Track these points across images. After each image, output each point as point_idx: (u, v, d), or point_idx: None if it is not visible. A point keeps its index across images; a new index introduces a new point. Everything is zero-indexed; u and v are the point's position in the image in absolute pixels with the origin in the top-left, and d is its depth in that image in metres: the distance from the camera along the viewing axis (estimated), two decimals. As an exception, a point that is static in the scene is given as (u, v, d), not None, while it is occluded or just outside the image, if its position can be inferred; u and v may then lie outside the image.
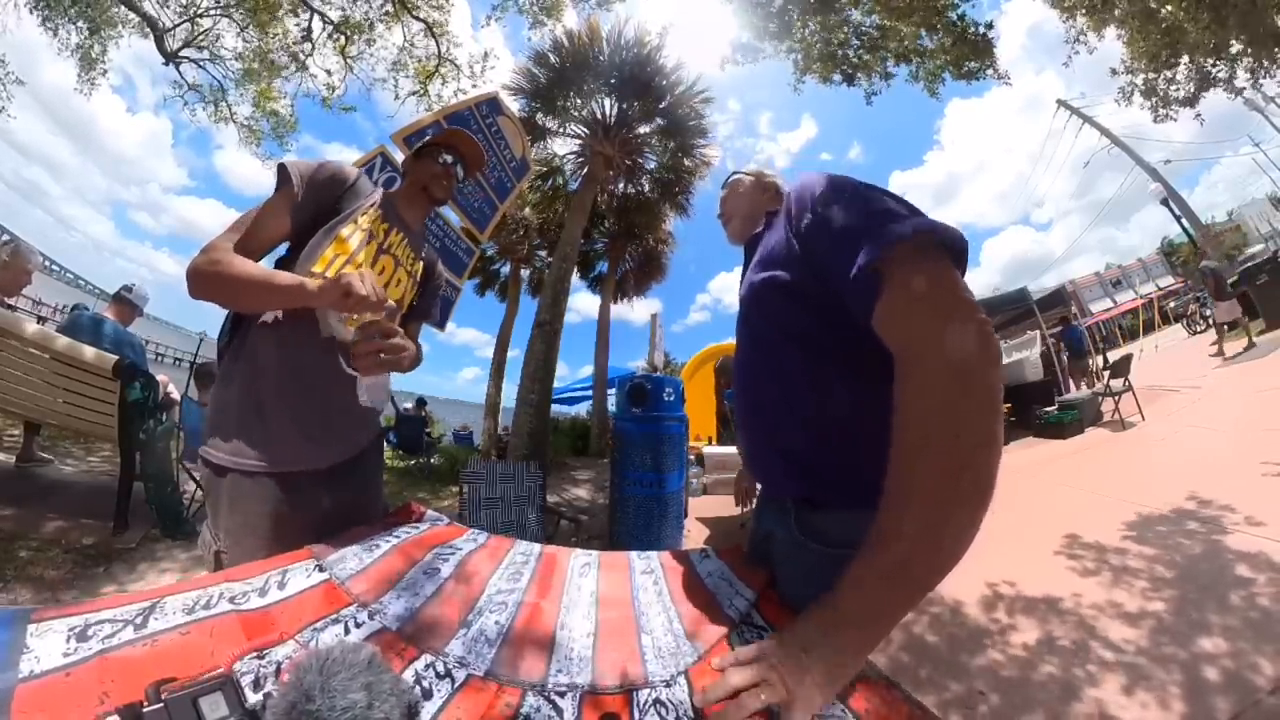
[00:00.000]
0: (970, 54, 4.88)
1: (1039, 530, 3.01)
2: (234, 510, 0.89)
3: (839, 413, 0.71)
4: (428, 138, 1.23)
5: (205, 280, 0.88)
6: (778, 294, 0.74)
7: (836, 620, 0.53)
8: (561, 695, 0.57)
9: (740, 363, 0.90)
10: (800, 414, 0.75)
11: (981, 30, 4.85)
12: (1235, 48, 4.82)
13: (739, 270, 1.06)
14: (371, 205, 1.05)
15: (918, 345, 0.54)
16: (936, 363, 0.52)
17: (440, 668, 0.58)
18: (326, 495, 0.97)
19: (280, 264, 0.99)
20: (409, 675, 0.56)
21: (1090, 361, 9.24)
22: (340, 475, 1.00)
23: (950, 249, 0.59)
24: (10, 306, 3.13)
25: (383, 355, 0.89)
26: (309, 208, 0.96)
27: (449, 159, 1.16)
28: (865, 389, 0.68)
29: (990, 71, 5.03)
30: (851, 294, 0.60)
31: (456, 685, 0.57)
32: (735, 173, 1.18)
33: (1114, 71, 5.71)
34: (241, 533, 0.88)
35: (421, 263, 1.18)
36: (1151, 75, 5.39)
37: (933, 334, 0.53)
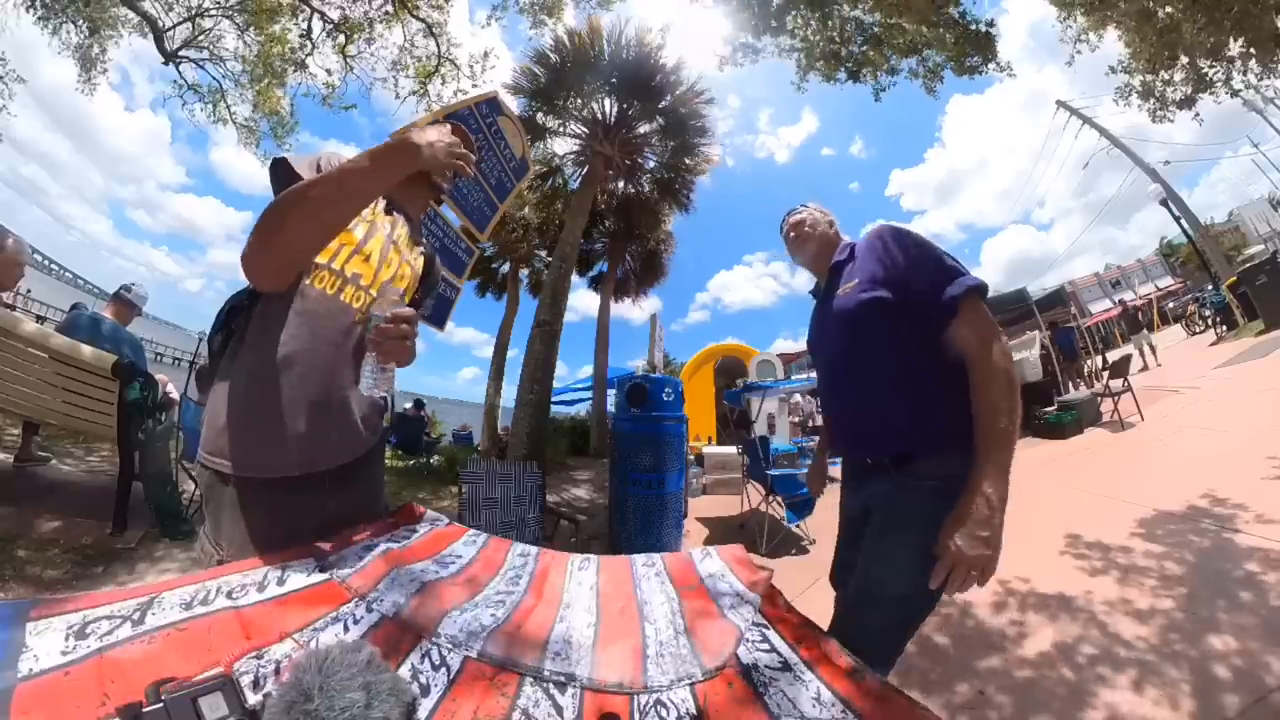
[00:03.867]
0: (972, 49, 4.88)
1: (1041, 529, 3.01)
2: (240, 519, 0.84)
3: (926, 388, 1.08)
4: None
5: (281, 220, 0.77)
6: (885, 307, 1.09)
7: (993, 488, 0.92)
8: (561, 688, 0.57)
9: (842, 359, 1.22)
10: (903, 392, 1.09)
11: (983, 27, 4.84)
12: (1233, 50, 4.81)
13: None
14: None
15: (981, 352, 1.01)
16: (995, 361, 1.00)
17: (435, 656, 0.58)
18: (331, 498, 0.93)
19: None
20: (405, 670, 0.56)
21: (1088, 362, 9.25)
22: (345, 477, 0.97)
23: (984, 294, 1.05)
24: (9, 306, 3.13)
25: (407, 342, 0.86)
26: None
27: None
28: (938, 371, 1.06)
29: (992, 65, 5.01)
30: (937, 312, 1.04)
31: (452, 675, 0.56)
32: (803, 206, 1.46)
33: (1112, 70, 5.71)
34: (247, 541, 0.84)
35: (422, 256, 1.16)
36: (1149, 77, 5.39)
37: (987, 347, 1.01)
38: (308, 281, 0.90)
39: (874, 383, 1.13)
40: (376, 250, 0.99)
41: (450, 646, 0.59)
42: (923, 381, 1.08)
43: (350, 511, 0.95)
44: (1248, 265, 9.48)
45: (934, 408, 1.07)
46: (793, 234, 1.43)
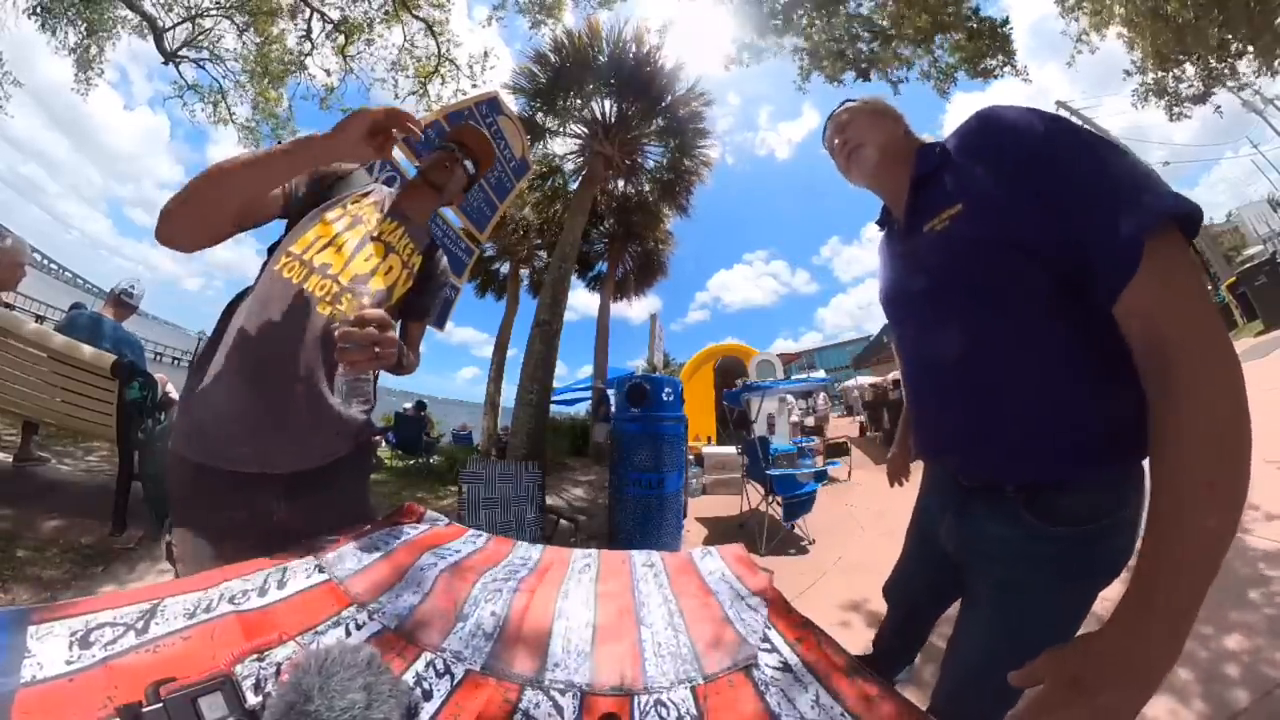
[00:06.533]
0: (987, 49, 4.84)
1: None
2: (182, 503, 0.85)
3: (1077, 380, 0.67)
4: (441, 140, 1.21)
5: (189, 192, 0.78)
6: (1013, 253, 0.65)
7: (1167, 619, 0.50)
8: (561, 693, 0.57)
9: (937, 327, 0.80)
10: (1039, 386, 0.69)
11: (997, 25, 4.82)
12: (1236, 46, 4.82)
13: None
14: (364, 193, 1.03)
15: (1187, 343, 0.52)
16: (1216, 366, 0.52)
17: (440, 665, 0.58)
18: (283, 505, 0.88)
19: (272, 249, 0.95)
20: (409, 677, 0.56)
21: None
22: (304, 485, 0.90)
23: (1193, 225, 0.55)
24: (9, 305, 3.12)
25: (377, 348, 0.75)
26: (302, 193, 0.94)
27: (455, 150, 1.15)
28: (1096, 353, 0.64)
29: (1009, 68, 4.98)
30: (1103, 263, 0.56)
31: (455, 682, 0.57)
32: (845, 102, 1.01)
33: (1127, 74, 5.72)
34: (187, 528, 0.84)
35: (420, 256, 1.13)
36: (1161, 74, 5.40)
37: (1199, 332, 0.52)
38: (276, 269, 0.88)
39: (992, 368, 0.72)
40: (353, 241, 0.96)
41: (454, 660, 0.59)
42: (1072, 369, 0.67)
43: (308, 524, 0.85)
44: (1247, 266, 9.47)
45: (1087, 410, 0.67)
46: (838, 141, 0.96)
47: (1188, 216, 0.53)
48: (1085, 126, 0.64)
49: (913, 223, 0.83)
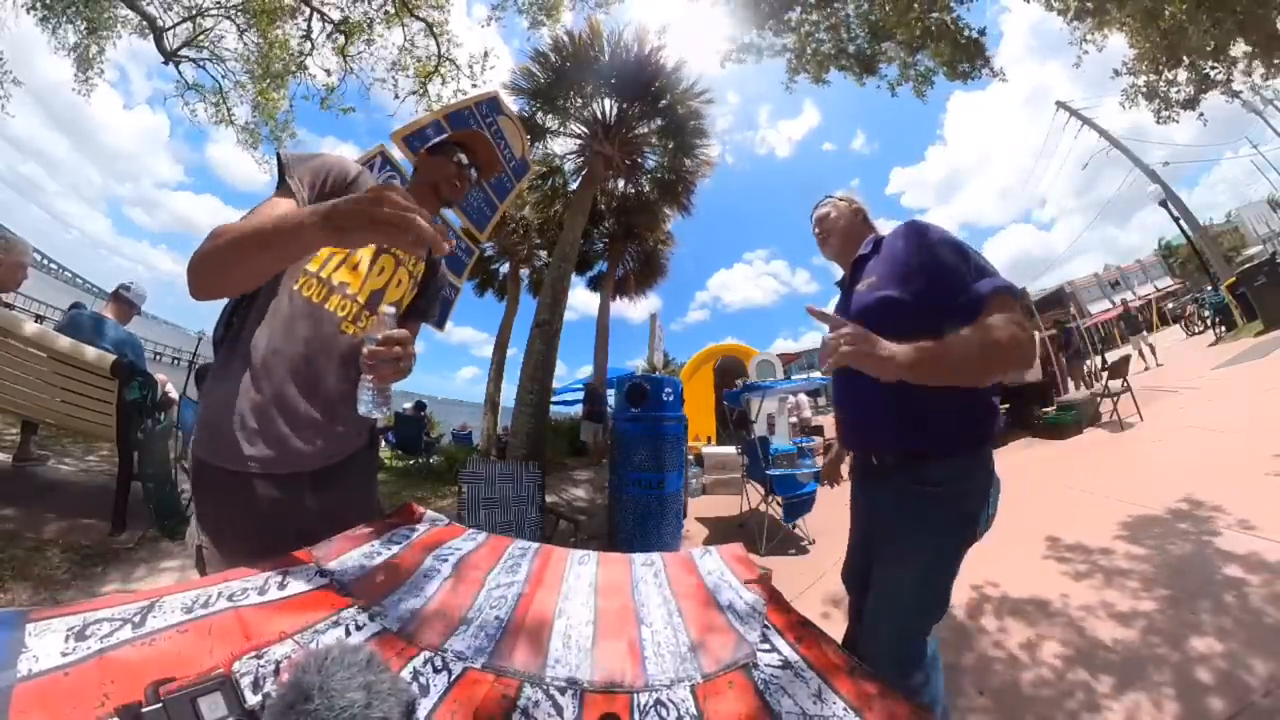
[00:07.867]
0: (963, 56, 4.88)
1: (1033, 531, 3.01)
2: (217, 508, 0.88)
3: (943, 390, 0.97)
4: (446, 135, 1.20)
5: (205, 257, 0.74)
6: (904, 308, 1.05)
7: (914, 353, 0.87)
8: (561, 691, 0.57)
9: None
10: (918, 394, 0.98)
11: (973, 35, 4.83)
12: (1235, 50, 4.80)
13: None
14: None
15: (997, 320, 0.92)
16: (1003, 326, 0.91)
17: (438, 663, 0.58)
18: (313, 498, 0.94)
19: None
20: (406, 673, 0.56)
21: (1087, 363, 9.26)
22: (328, 478, 0.97)
23: (1015, 295, 1.00)
24: (9, 305, 3.12)
25: (400, 363, 0.85)
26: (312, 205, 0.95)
27: (464, 160, 1.13)
28: None
29: (985, 70, 5.01)
30: (963, 311, 0.97)
31: (453, 678, 0.57)
32: (828, 197, 1.45)
33: (1116, 73, 5.70)
34: (222, 531, 0.87)
35: (423, 264, 1.16)
36: (1153, 77, 5.39)
37: (1007, 322, 0.91)
38: (295, 287, 0.93)
39: (887, 384, 1.05)
40: (366, 259, 1.00)
41: (455, 658, 0.59)
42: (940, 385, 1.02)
43: (334, 513, 0.93)
44: (1247, 266, 9.48)
45: (949, 409, 1.02)
46: (817, 230, 1.43)
47: (1010, 288, 0.99)
48: (954, 237, 1.08)
49: (851, 285, 1.26)
